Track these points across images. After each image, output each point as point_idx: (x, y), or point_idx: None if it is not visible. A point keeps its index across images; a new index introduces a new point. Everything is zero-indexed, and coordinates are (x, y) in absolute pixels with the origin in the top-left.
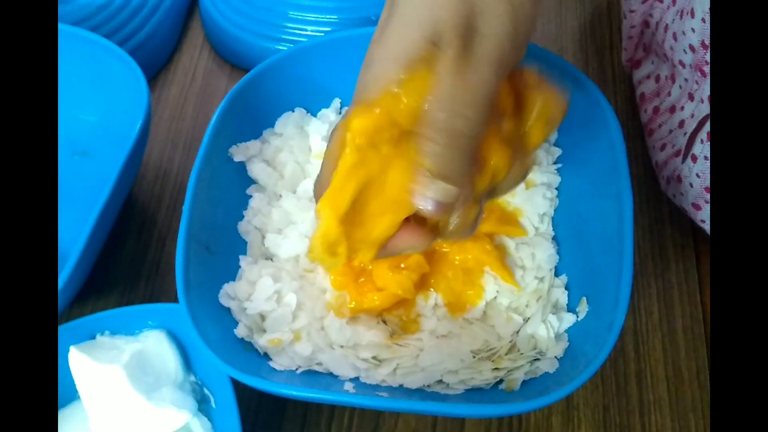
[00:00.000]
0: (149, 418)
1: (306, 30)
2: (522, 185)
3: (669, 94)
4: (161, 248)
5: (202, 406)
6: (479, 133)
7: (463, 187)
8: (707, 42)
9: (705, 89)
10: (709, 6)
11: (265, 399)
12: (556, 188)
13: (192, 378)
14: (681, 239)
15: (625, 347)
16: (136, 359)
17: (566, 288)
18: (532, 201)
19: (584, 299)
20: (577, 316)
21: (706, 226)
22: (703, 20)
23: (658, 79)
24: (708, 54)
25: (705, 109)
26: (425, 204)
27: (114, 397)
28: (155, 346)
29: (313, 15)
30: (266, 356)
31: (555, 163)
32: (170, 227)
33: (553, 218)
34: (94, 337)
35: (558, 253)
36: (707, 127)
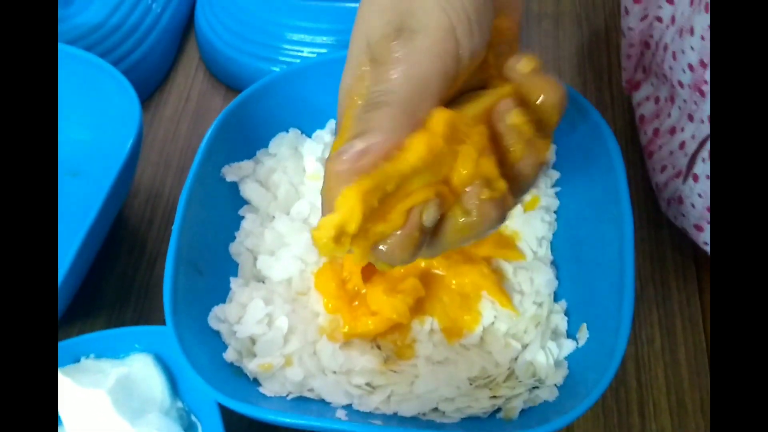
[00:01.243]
0: None
1: (302, 51)
2: (520, 208)
3: (669, 115)
4: (151, 270)
5: None
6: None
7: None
8: (706, 61)
9: (704, 109)
10: (708, 23)
11: (254, 428)
12: (555, 212)
13: (179, 404)
14: (682, 265)
15: (626, 376)
16: (121, 384)
17: (566, 314)
18: (530, 224)
19: (584, 326)
20: (577, 343)
21: (709, 248)
22: (702, 38)
23: (657, 100)
24: (707, 73)
25: (705, 129)
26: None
27: (98, 422)
28: (142, 371)
29: (309, 36)
30: (256, 382)
31: (553, 186)
32: (160, 249)
33: (551, 242)
34: (78, 360)
35: (557, 277)
36: (708, 146)
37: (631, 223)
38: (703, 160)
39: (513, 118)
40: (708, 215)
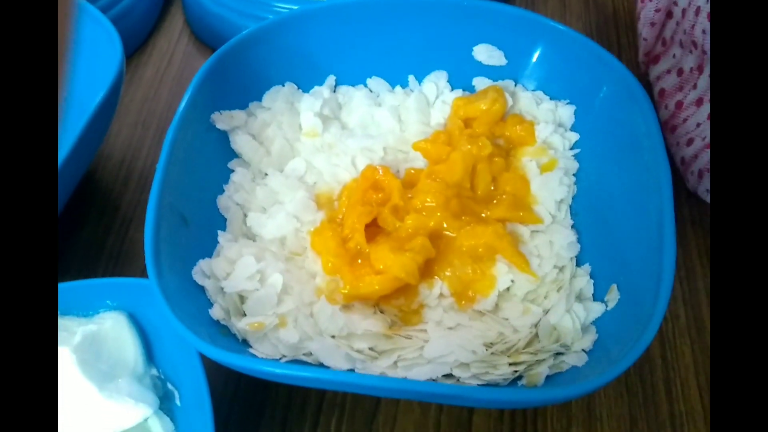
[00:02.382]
0: (101, 412)
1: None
2: (537, 170)
3: (695, 86)
4: (123, 235)
5: (164, 404)
6: None
7: None
8: None
9: None
10: None
11: (238, 401)
12: (574, 175)
13: (154, 371)
14: (705, 241)
15: (651, 353)
16: (89, 342)
17: (591, 278)
18: (547, 187)
19: (614, 287)
20: (606, 306)
21: None
22: None
23: (680, 72)
24: None
25: None
26: None
27: (61, 384)
28: (113, 330)
29: None
30: (245, 343)
31: (572, 148)
32: (135, 213)
33: (571, 206)
34: None
35: (579, 242)
36: None
37: (669, 175)
38: None
39: None
40: None
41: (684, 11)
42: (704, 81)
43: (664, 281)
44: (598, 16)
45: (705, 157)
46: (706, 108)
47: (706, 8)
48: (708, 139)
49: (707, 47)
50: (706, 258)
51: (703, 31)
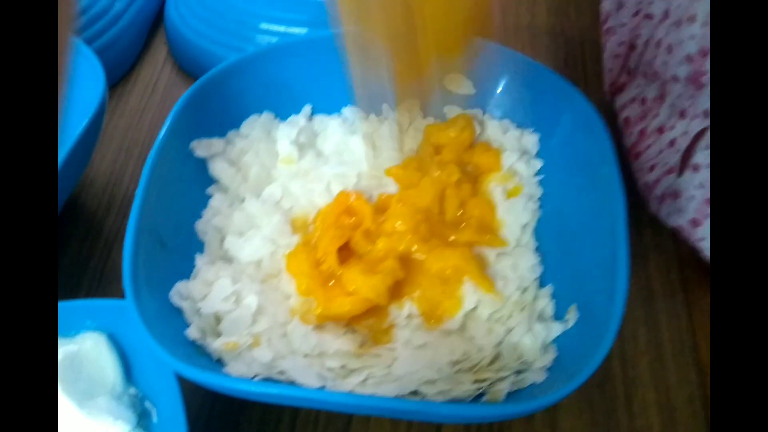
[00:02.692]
0: (80, 429)
1: (274, 41)
2: (503, 196)
3: (657, 115)
4: (106, 257)
5: (142, 421)
6: None
7: None
8: (706, 50)
9: (700, 102)
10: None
11: (214, 419)
12: (539, 199)
13: (132, 390)
14: (666, 264)
15: (612, 372)
16: (69, 361)
17: (553, 297)
18: (513, 212)
19: (574, 306)
20: (566, 325)
21: (705, 244)
22: (705, 24)
23: (644, 101)
24: (706, 63)
25: (699, 123)
26: None
27: None
28: (93, 350)
29: (282, 27)
30: (220, 362)
31: (537, 174)
32: (117, 236)
33: (536, 230)
34: None
35: (542, 264)
36: (709, 134)
37: (623, 203)
38: (706, 147)
39: None
40: (707, 208)
41: (647, 43)
42: (665, 110)
43: (616, 301)
44: (567, 48)
45: (665, 183)
46: (667, 135)
47: (666, 41)
48: (669, 166)
49: (669, 76)
50: (666, 279)
51: (664, 63)
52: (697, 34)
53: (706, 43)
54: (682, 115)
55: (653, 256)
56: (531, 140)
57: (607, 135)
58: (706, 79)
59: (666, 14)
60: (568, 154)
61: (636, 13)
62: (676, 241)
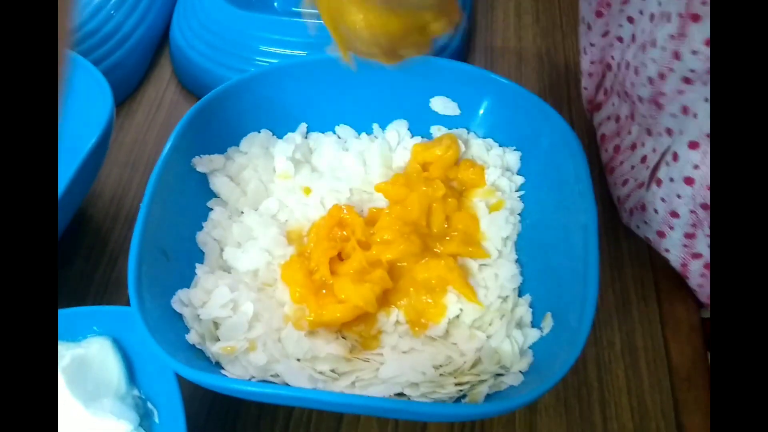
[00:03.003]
0: (86, 428)
1: (274, 63)
2: (486, 210)
3: (629, 132)
4: (112, 268)
5: (145, 422)
6: None
7: None
8: (664, 72)
9: (661, 122)
10: (669, 32)
11: (212, 419)
12: (519, 214)
13: (135, 392)
14: (640, 273)
15: (588, 377)
16: (76, 364)
17: (531, 306)
18: (495, 225)
19: (549, 314)
20: (542, 332)
21: (670, 256)
22: (664, 48)
23: (618, 119)
24: (664, 85)
25: (666, 141)
26: None
27: None
28: (98, 354)
29: (281, 49)
30: (218, 365)
31: (518, 190)
32: (122, 247)
33: (516, 242)
34: None
35: (522, 274)
36: (672, 149)
37: (595, 218)
38: (667, 163)
39: None
40: (671, 220)
41: (619, 65)
42: (636, 128)
43: (587, 310)
44: (551, 70)
45: (636, 196)
46: (639, 152)
47: (633, 63)
48: (641, 180)
49: (636, 97)
50: (641, 289)
51: (632, 84)
52: (657, 58)
53: (664, 66)
54: (649, 132)
55: (629, 267)
56: (513, 158)
57: (582, 154)
58: (664, 99)
59: (633, 38)
60: (547, 171)
61: (605, 34)
62: (652, 252)
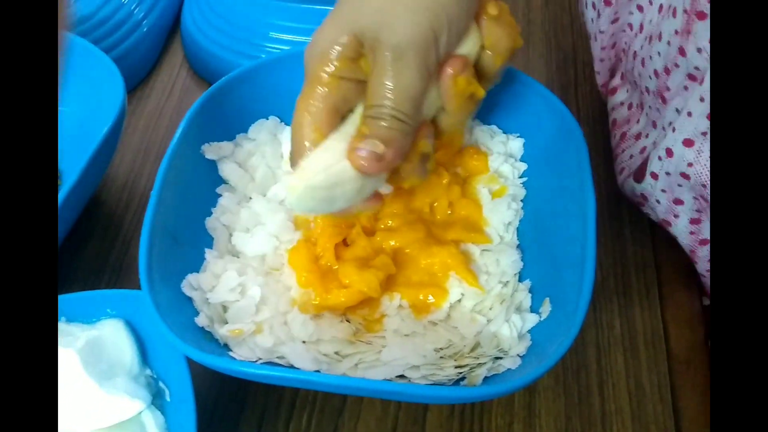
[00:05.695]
0: (101, 406)
1: (285, 50)
2: (489, 196)
3: (637, 121)
4: (125, 251)
5: (157, 401)
6: (414, 121)
7: (393, 151)
8: (670, 67)
9: (665, 116)
10: (674, 28)
11: (222, 398)
12: (522, 200)
13: (148, 372)
14: (642, 259)
15: (587, 360)
16: (91, 345)
17: (530, 292)
18: (497, 211)
19: (547, 300)
20: (540, 317)
21: (681, 240)
22: (669, 43)
23: (630, 106)
24: (669, 79)
25: (665, 134)
26: (360, 153)
27: (66, 381)
28: (112, 335)
29: (292, 36)
30: (226, 347)
31: (521, 176)
32: (135, 231)
33: (518, 228)
34: None
35: (523, 260)
36: (665, 143)
37: (594, 205)
38: (660, 158)
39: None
40: (676, 208)
41: (626, 51)
42: (644, 118)
43: (583, 294)
44: (559, 54)
45: (629, 186)
46: (641, 143)
47: (641, 54)
48: (631, 171)
49: (643, 88)
50: (643, 274)
51: (639, 75)
52: (662, 51)
53: (669, 60)
54: (654, 125)
55: (632, 252)
56: (516, 145)
57: (583, 142)
58: (669, 95)
59: (641, 27)
60: (549, 158)
61: (615, 20)
62: (654, 239)
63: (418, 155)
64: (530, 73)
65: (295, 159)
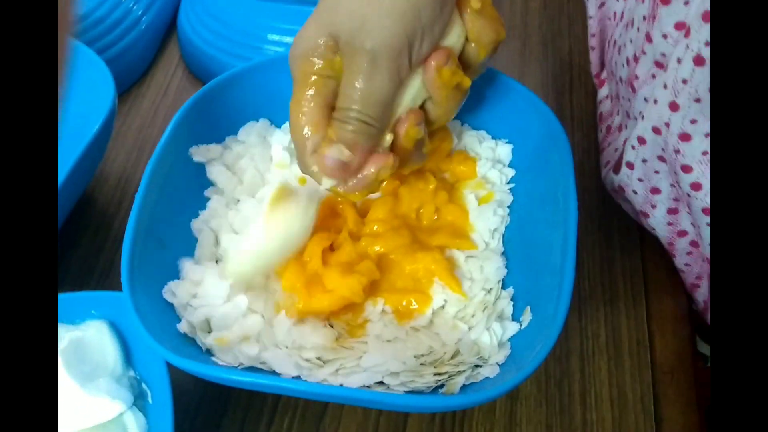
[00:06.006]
0: (82, 407)
1: (280, 51)
2: (475, 202)
3: (618, 113)
4: (116, 250)
5: (139, 402)
6: (381, 124)
7: (359, 155)
8: (638, 54)
9: (635, 106)
10: (643, 13)
11: (204, 401)
12: (508, 206)
13: (131, 373)
14: (630, 269)
15: (570, 369)
16: (74, 346)
17: (512, 299)
18: (483, 217)
19: (528, 308)
20: (521, 325)
21: (657, 233)
22: (638, 29)
23: (611, 98)
24: (638, 68)
25: (634, 124)
26: (326, 161)
27: None
28: (95, 336)
29: (287, 37)
30: (208, 352)
31: (508, 182)
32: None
33: (504, 235)
34: None
35: (507, 267)
36: (636, 132)
37: (575, 213)
38: (633, 147)
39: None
40: (652, 198)
41: (608, 41)
42: (621, 110)
43: (561, 302)
44: (555, 58)
45: (609, 179)
46: (623, 135)
47: (619, 42)
48: (614, 163)
49: (618, 77)
50: (630, 283)
51: (615, 63)
52: (633, 38)
53: (637, 48)
54: (628, 115)
55: (619, 261)
56: (505, 150)
57: (568, 149)
58: (637, 83)
59: (622, 15)
60: (536, 165)
61: (601, 5)
62: (643, 246)
63: (413, 142)
64: (526, 77)
65: (299, 160)
